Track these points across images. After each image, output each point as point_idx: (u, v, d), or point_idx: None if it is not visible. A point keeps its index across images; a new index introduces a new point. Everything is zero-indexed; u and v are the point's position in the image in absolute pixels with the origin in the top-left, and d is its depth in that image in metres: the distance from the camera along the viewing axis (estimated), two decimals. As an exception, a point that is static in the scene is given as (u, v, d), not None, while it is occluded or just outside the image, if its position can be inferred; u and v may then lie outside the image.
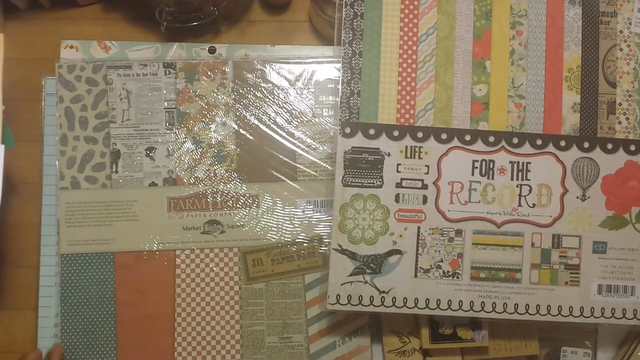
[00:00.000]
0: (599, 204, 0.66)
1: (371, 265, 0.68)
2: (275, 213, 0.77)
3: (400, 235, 0.68)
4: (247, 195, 0.77)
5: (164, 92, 0.77)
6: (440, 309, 0.67)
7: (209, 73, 0.78)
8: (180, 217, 0.77)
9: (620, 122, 0.63)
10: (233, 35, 0.80)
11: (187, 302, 0.76)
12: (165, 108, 0.78)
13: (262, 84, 0.78)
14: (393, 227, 0.68)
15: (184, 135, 0.78)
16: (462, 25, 0.69)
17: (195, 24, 0.75)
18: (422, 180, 0.68)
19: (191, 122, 0.78)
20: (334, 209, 0.68)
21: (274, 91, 0.78)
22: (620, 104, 0.64)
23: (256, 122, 0.78)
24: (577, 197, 0.67)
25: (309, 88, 0.77)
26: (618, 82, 0.64)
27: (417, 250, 0.68)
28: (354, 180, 0.67)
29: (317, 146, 0.77)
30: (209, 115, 0.78)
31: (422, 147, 0.68)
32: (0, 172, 0.62)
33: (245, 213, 0.77)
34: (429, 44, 0.69)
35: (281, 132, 0.77)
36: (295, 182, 0.77)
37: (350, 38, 0.68)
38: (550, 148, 0.68)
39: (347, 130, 0.68)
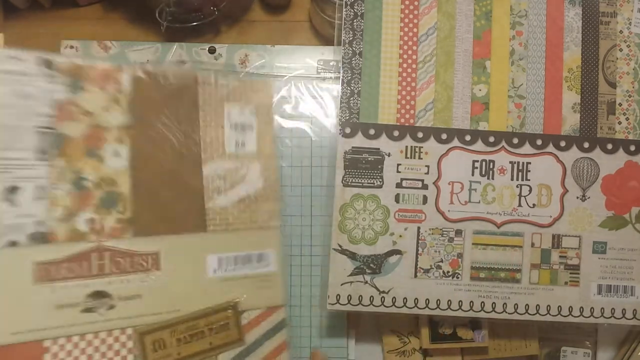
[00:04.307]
0: (599, 204, 0.65)
1: (371, 265, 0.68)
2: (179, 276, 0.62)
3: (400, 236, 0.68)
4: (145, 254, 0.61)
5: (38, 102, 0.57)
6: (440, 309, 0.67)
7: (99, 82, 0.61)
8: (51, 290, 0.56)
9: (620, 122, 0.63)
10: (233, 35, 0.79)
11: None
12: (37, 127, 0.57)
13: (168, 102, 0.63)
14: (393, 227, 0.67)
15: (61, 170, 0.58)
16: (462, 26, 0.69)
17: (195, 24, 0.74)
18: (422, 181, 0.68)
19: (74, 150, 0.59)
20: (334, 209, 0.67)
21: (180, 112, 0.64)
22: (620, 104, 0.64)
23: (158, 153, 0.62)
24: (577, 197, 0.66)
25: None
26: (618, 82, 0.64)
27: (417, 250, 0.67)
28: (354, 181, 0.67)
29: (230, 186, 0.66)
30: (98, 141, 0.60)
31: (422, 147, 0.67)
32: None
33: (142, 279, 0.60)
34: (429, 44, 0.69)
35: (188, 167, 0.64)
36: (205, 234, 0.64)
37: (351, 38, 0.68)
38: (550, 148, 0.67)
39: (347, 130, 0.67)
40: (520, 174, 0.67)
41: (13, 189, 0.56)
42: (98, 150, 0.60)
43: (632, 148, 0.64)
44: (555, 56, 0.67)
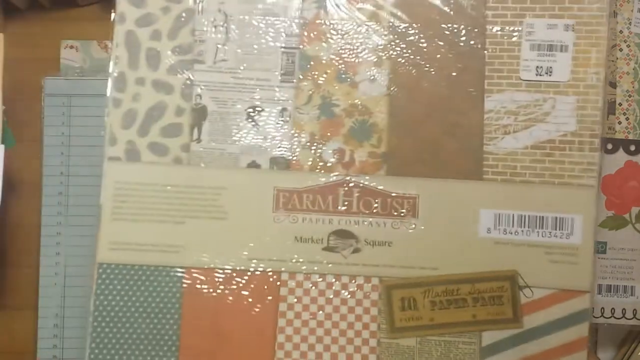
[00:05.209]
0: (599, 204, 0.58)
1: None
2: (441, 228, 0.53)
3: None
4: (401, 196, 0.53)
5: (283, 21, 0.54)
6: None
7: None
8: (292, 220, 0.53)
9: (620, 122, 0.62)
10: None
11: (294, 358, 0.52)
12: (282, 47, 0.54)
13: (443, 14, 0.53)
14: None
15: (308, 93, 0.53)
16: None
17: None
18: None
19: (322, 72, 0.54)
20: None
21: (463, 30, 0.54)
22: (620, 104, 0.61)
23: (425, 78, 0.53)
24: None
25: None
26: (618, 82, 0.61)
27: None
28: None
29: (524, 125, 0.53)
30: (351, 64, 0.54)
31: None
32: (0, 172, 0.57)
33: (394, 224, 0.53)
34: None
35: (464, 96, 0.53)
36: (480, 182, 0.53)
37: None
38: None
39: None
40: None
41: (256, 110, 0.53)
42: (351, 74, 0.54)
43: (632, 148, 0.62)
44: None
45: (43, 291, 0.67)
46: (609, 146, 0.62)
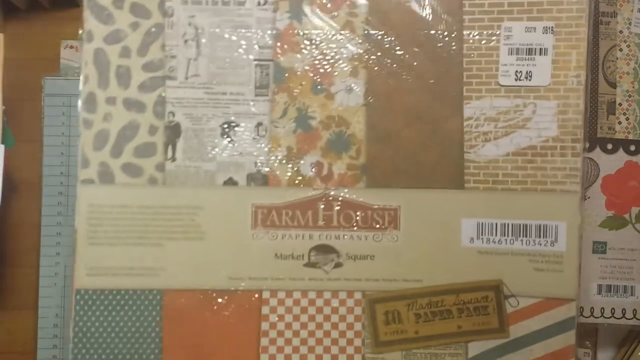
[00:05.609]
0: (599, 204, 0.61)
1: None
2: (423, 240, 0.52)
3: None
4: (381, 208, 0.52)
5: (256, 33, 0.52)
6: None
7: (328, 5, 0.52)
8: (272, 237, 0.51)
9: (620, 122, 0.62)
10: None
11: (277, 378, 0.52)
12: (256, 60, 0.53)
13: (420, 21, 0.52)
14: None
15: (283, 106, 0.52)
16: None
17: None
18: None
19: (297, 84, 0.52)
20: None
21: (439, 37, 0.52)
22: (620, 104, 0.62)
23: (403, 87, 0.52)
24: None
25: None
26: (618, 82, 0.62)
27: None
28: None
29: (505, 132, 0.52)
30: (327, 74, 0.52)
31: None
32: (0, 172, 0.57)
33: (376, 237, 0.52)
34: None
35: (443, 104, 0.52)
36: (461, 192, 0.52)
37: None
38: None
39: None
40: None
41: (232, 125, 0.52)
42: (326, 85, 0.52)
43: (632, 148, 0.62)
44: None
45: (43, 291, 0.68)
46: (609, 146, 0.62)
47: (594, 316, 0.63)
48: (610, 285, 0.63)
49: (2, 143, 0.59)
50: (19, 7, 0.75)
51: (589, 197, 0.63)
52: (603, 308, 0.63)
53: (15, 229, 0.72)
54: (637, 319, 0.63)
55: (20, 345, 0.71)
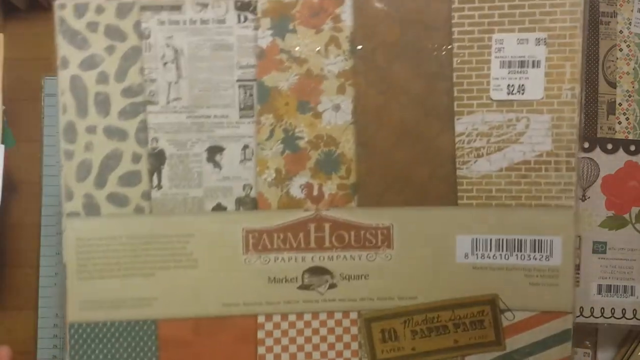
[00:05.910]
0: (598, 204, 0.62)
1: None
2: (417, 257, 0.51)
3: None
4: (374, 227, 0.51)
5: (237, 52, 0.51)
6: None
7: (311, 20, 0.50)
8: (264, 261, 0.51)
9: (620, 122, 0.62)
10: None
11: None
12: (238, 80, 0.51)
13: (406, 35, 0.50)
14: None
15: (269, 127, 0.50)
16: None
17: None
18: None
19: (282, 103, 0.51)
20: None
21: (428, 51, 0.51)
22: (620, 104, 0.62)
23: (392, 104, 0.51)
24: (577, 197, 0.58)
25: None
26: (618, 82, 0.62)
27: None
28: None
29: (497, 147, 0.51)
30: (313, 92, 0.51)
31: None
32: (0, 172, 0.57)
33: (369, 257, 0.51)
34: None
35: (433, 120, 0.50)
36: (454, 208, 0.51)
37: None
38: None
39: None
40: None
41: (217, 150, 0.51)
42: (313, 104, 0.51)
43: (632, 148, 0.62)
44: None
45: (43, 291, 0.68)
46: (609, 146, 0.62)
47: (594, 316, 0.63)
48: (610, 285, 0.63)
49: (2, 143, 0.59)
50: (19, 7, 0.75)
51: (589, 197, 0.63)
52: (603, 308, 0.63)
53: (15, 229, 0.72)
54: (637, 319, 0.63)
55: (20, 345, 0.72)
